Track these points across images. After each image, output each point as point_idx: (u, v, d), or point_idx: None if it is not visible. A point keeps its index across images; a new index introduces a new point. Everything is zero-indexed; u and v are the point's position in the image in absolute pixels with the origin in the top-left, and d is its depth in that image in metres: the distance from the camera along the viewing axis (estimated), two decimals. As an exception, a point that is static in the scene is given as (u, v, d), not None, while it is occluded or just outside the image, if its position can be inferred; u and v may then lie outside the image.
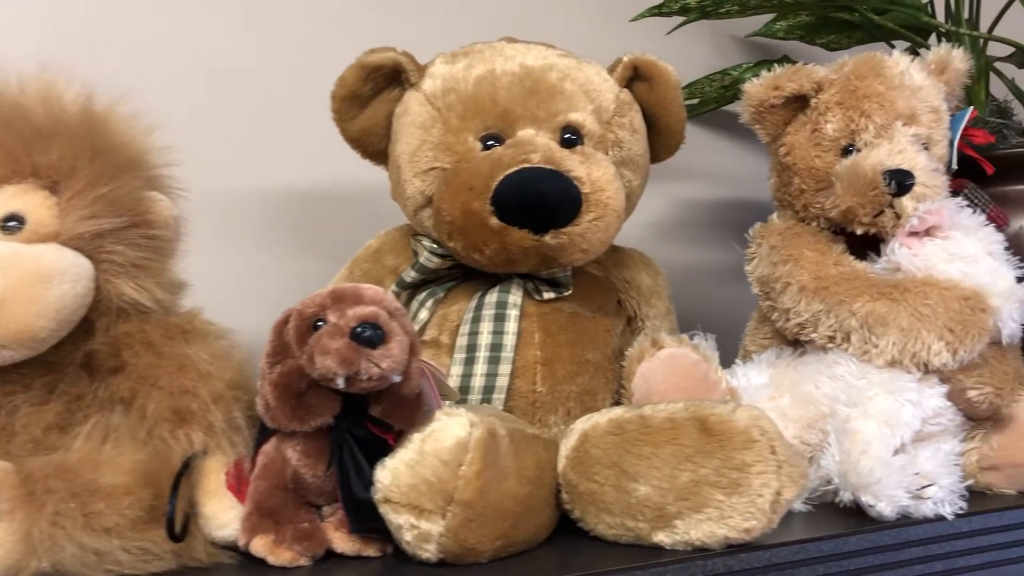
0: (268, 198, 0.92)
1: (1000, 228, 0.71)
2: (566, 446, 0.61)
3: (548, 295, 0.72)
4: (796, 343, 0.73)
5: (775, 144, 0.76)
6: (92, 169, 0.60)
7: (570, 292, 0.72)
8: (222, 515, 0.58)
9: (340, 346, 0.52)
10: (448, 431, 0.54)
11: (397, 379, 0.55)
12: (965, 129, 0.75)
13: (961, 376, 0.65)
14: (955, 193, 0.73)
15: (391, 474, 0.54)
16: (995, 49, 0.92)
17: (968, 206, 0.71)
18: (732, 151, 1.10)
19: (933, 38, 0.93)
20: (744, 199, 1.08)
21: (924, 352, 0.64)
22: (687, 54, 1.09)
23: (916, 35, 0.92)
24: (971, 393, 0.65)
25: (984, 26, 0.92)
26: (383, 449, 0.56)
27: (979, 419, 0.68)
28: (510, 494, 0.55)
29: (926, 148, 0.72)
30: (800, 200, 0.74)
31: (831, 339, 0.68)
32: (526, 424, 0.64)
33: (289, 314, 0.57)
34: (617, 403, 0.72)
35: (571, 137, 0.72)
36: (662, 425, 0.57)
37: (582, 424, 0.61)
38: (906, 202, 0.68)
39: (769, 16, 1.04)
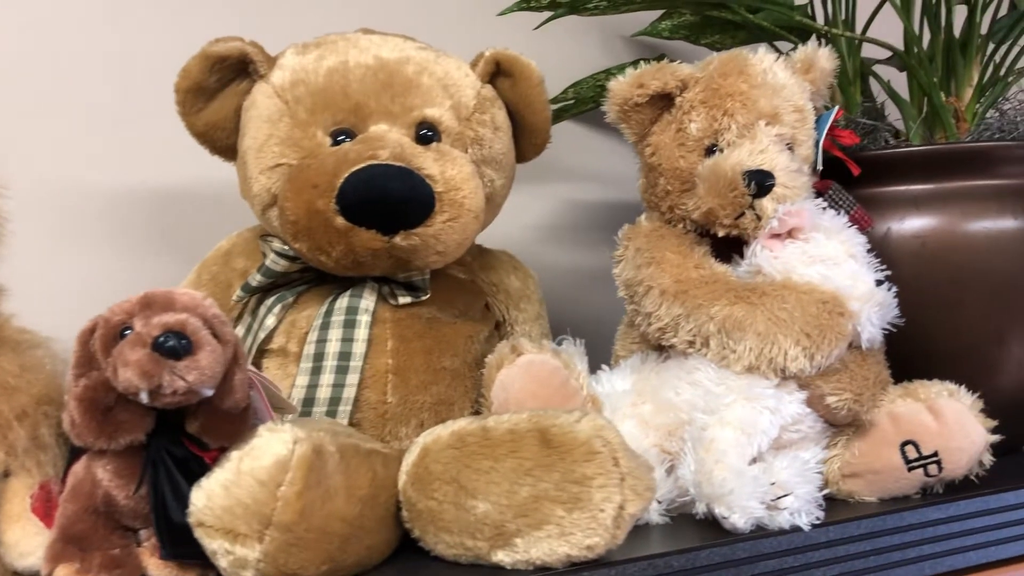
0: (118, 196, 0.86)
1: (864, 230, 0.70)
2: (407, 461, 0.57)
3: (404, 300, 0.68)
4: (661, 348, 0.70)
5: (641, 144, 0.74)
6: None
7: (428, 296, 0.69)
8: (25, 542, 0.53)
9: (140, 357, 0.48)
10: (268, 449, 0.50)
11: (209, 393, 0.50)
12: (833, 130, 0.74)
13: (820, 382, 0.63)
14: (819, 194, 0.72)
15: (205, 496, 0.50)
16: (875, 52, 0.92)
17: (831, 207, 0.70)
18: (620, 152, 1.07)
19: (813, 39, 0.92)
20: (632, 201, 1.06)
21: (781, 357, 0.62)
22: (577, 53, 1.07)
23: (798, 36, 0.91)
24: (830, 399, 0.63)
25: (860, 28, 0.91)
26: (205, 469, 0.52)
27: (840, 425, 0.67)
28: (337, 515, 0.51)
29: (790, 148, 0.70)
30: (666, 201, 0.72)
31: (691, 344, 0.65)
32: (366, 438, 0.60)
33: (96, 322, 0.52)
34: (477, 413, 0.69)
35: (427, 133, 0.68)
36: (503, 438, 0.54)
37: (424, 438, 0.58)
38: (766, 203, 0.66)
39: (656, 14, 1.02)
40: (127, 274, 0.85)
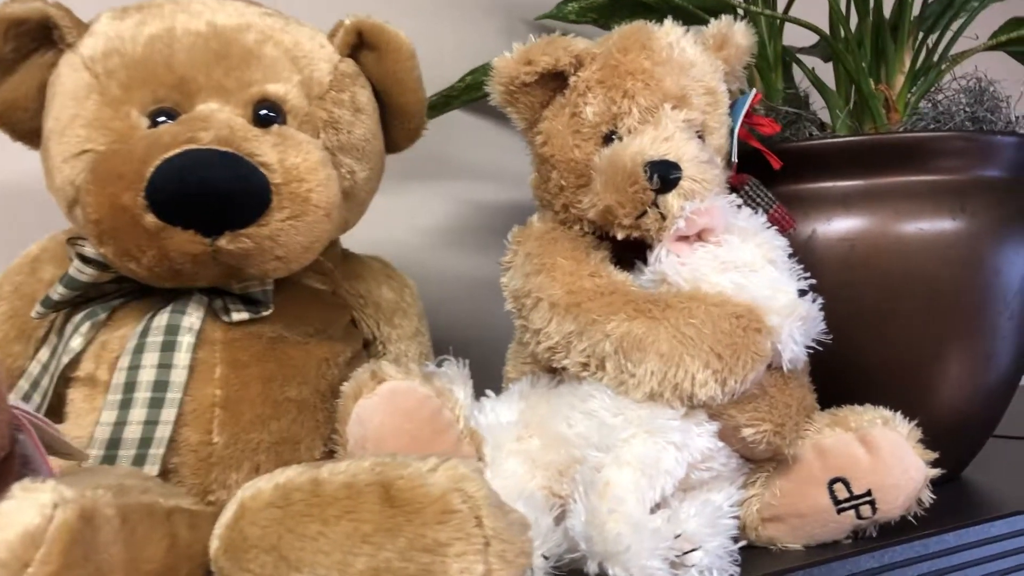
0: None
1: (785, 232, 0.60)
2: (221, 522, 0.46)
3: (239, 316, 0.56)
4: (554, 370, 0.60)
5: (532, 132, 0.63)
6: None
7: (270, 311, 0.57)
8: None
9: None
10: (16, 516, 0.38)
11: (-70, 446, 0.38)
12: (751, 116, 0.64)
13: (734, 411, 0.53)
14: (735, 190, 0.62)
15: (-71, 580, 0.37)
16: (799, 38, 0.84)
17: (747, 205, 0.60)
18: (525, 148, 0.98)
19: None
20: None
21: (688, 383, 0.52)
22: (477, 38, 0.98)
23: (715, 18, 0.82)
24: (746, 431, 0.54)
25: (781, 8, 0.83)
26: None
27: (759, 461, 0.57)
28: (113, 598, 0.39)
29: (700, 136, 0.60)
30: (560, 199, 0.62)
31: (585, 366, 0.55)
32: (174, 492, 0.48)
33: None
34: (331, 453, 0.58)
35: (268, 114, 0.57)
36: (337, 494, 0.43)
37: (244, 492, 0.46)
38: (671, 200, 0.56)
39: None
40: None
